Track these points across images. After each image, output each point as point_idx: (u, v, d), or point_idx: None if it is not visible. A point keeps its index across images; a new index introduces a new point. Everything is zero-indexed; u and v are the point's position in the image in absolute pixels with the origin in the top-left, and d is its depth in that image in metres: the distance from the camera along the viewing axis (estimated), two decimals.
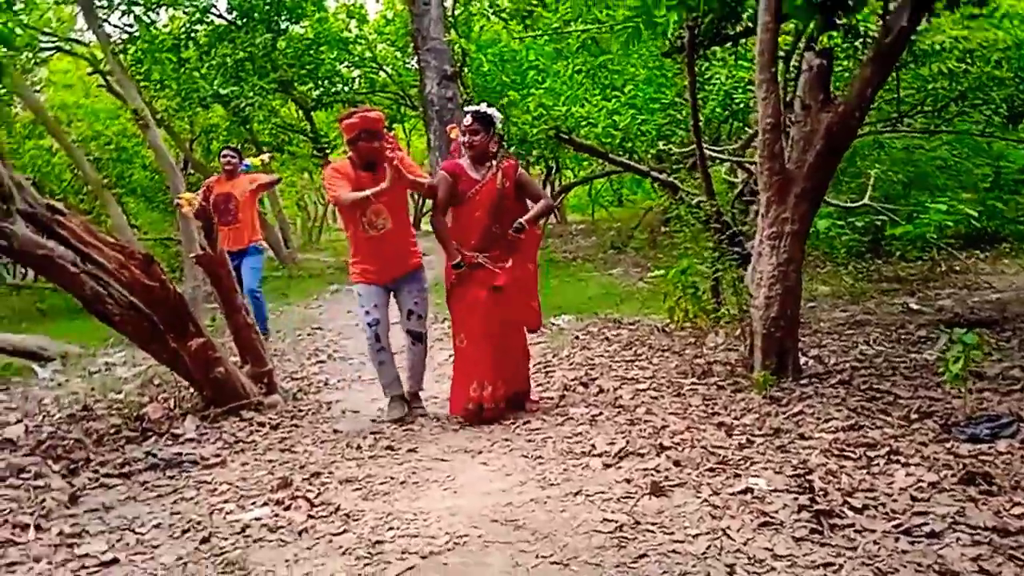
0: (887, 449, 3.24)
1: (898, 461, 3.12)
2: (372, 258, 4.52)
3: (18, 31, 11.55)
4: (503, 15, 16.65)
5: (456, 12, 17.23)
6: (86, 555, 2.89)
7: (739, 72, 8.20)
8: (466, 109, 4.55)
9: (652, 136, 8.37)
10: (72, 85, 17.48)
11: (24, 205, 3.94)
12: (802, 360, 4.87)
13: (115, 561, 2.84)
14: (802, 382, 4.40)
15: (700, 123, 5.92)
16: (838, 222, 7.23)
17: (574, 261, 13.65)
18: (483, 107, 4.49)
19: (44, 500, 3.46)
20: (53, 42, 13.34)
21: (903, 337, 5.64)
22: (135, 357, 6.77)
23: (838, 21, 4.99)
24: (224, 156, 6.98)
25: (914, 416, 3.64)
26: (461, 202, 4.43)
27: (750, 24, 6.44)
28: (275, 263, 16.68)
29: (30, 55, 12.65)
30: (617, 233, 16.49)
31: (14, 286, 12.34)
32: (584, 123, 7.77)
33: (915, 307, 6.85)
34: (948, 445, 3.31)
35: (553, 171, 20.62)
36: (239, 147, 7.99)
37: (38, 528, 3.15)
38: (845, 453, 3.27)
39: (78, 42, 13.63)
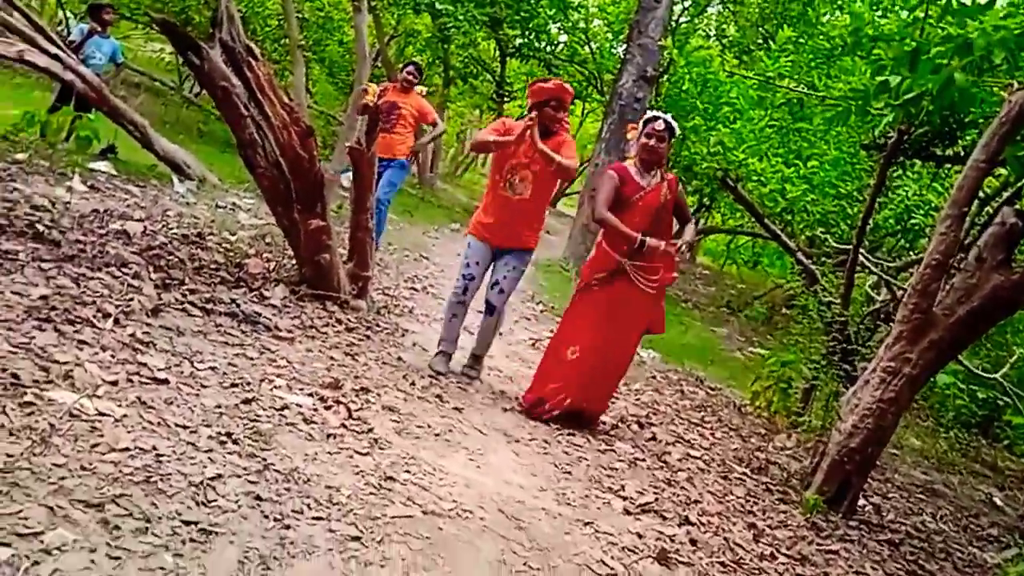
0: None
1: None
2: (496, 217, 4.54)
3: None
4: (724, 41, 16.32)
5: (680, 19, 17.00)
6: (144, 364, 3.09)
7: (928, 194, 7.80)
8: (656, 114, 4.42)
9: (814, 219, 8.08)
10: None
11: (227, 36, 4.17)
12: (861, 502, 4.66)
13: (165, 381, 3.02)
14: (851, 523, 4.20)
15: (867, 227, 5.65)
16: (960, 384, 6.83)
17: (684, 303, 13.41)
18: (669, 117, 4.39)
19: (132, 300, 3.71)
20: None
21: (972, 527, 5.29)
22: (261, 210, 7.10)
23: None
24: (407, 69, 7.15)
25: None
26: (623, 207, 4.31)
27: (961, 152, 6.10)
28: (414, 181, 17.11)
29: None
30: (738, 294, 16.08)
31: (186, 99, 13.14)
32: (754, 178, 7.56)
33: (999, 503, 6.40)
34: None
35: (703, 208, 20.24)
36: (424, 65, 8.15)
37: (117, 322, 3.39)
38: None
39: None
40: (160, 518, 2.17)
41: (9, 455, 2.19)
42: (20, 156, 5.94)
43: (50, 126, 5.74)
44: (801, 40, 8.05)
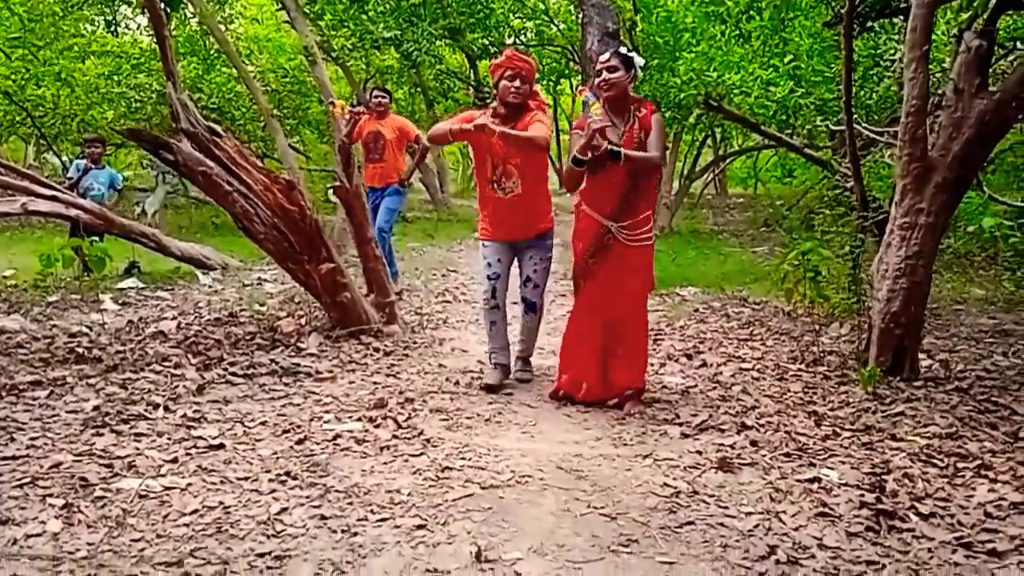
0: (979, 463, 3.06)
1: (986, 476, 2.95)
2: (497, 218, 4.25)
3: None
4: None
5: None
6: (200, 437, 3.30)
7: None
8: (612, 50, 4.00)
9: (810, 111, 7.99)
10: (259, 20, 18.71)
11: (187, 125, 4.39)
12: (926, 363, 4.63)
13: (221, 446, 3.22)
14: (915, 384, 4.18)
15: (852, 99, 5.57)
16: (1007, 222, 6.68)
17: (721, 235, 13.34)
18: (621, 49, 3.94)
19: (177, 387, 3.94)
20: None
21: None
22: (284, 276, 7.33)
23: None
24: (375, 96, 7.29)
25: (1023, 435, 3.40)
26: (599, 166, 3.79)
27: None
28: (429, 206, 17.36)
29: None
30: (775, 211, 15.88)
31: (196, 200, 13.59)
32: (737, 91, 7.52)
33: None
34: None
35: (719, 140, 19.99)
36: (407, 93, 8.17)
37: (166, 409, 3.61)
38: (933, 460, 3.13)
39: None
40: (236, 558, 2.34)
41: (91, 543, 2.39)
42: (53, 298, 6.30)
43: (68, 261, 6.06)
44: None
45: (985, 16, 4.72)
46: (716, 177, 24.14)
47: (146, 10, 4.33)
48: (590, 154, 3.70)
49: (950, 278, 7.81)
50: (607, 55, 3.90)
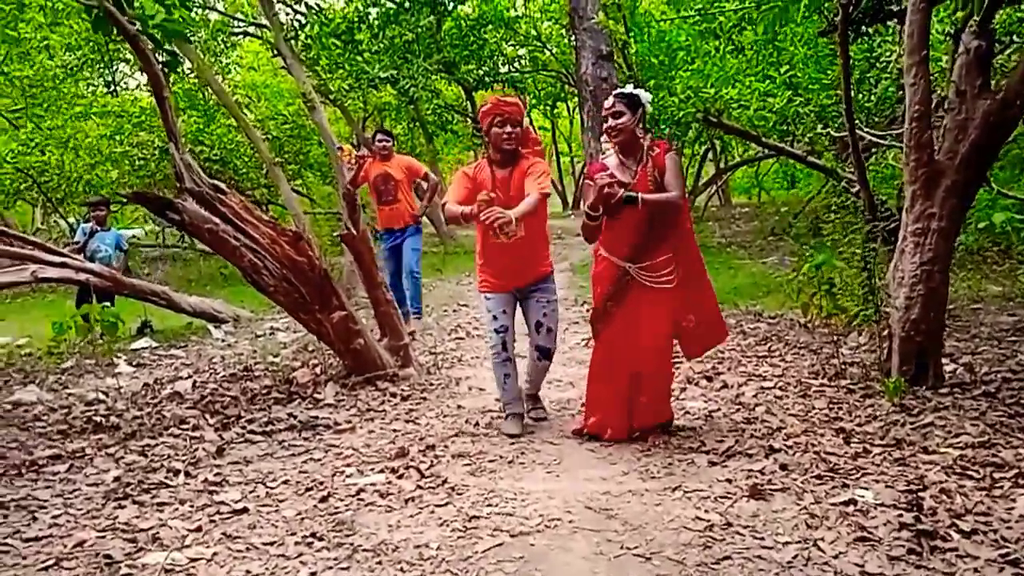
0: (1015, 471, 2.99)
1: None
2: (498, 265, 4.14)
3: (212, 16, 12.64)
4: None
5: None
6: (222, 502, 3.26)
7: None
8: (614, 93, 3.99)
9: (810, 119, 7.98)
10: (255, 68, 18.92)
11: (191, 184, 4.40)
12: (950, 367, 4.56)
13: (245, 510, 3.18)
14: (941, 391, 4.11)
15: (852, 106, 5.55)
16: (1017, 216, 6.62)
17: (729, 247, 13.25)
18: (628, 88, 3.89)
19: (197, 450, 3.91)
20: (242, 26, 14.49)
21: None
22: (296, 324, 7.32)
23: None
24: (379, 140, 7.29)
25: None
26: (616, 211, 3.72)
27: None
28: (435, 239, 17.37)
29: (222, 38, 13.83)
30: (780, 219, 15.80)
31: (203, 252, 13.69)
32: (735, 105, 7.52)
33: None
34: None
35: (719, 151, 20.02)
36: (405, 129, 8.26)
37: (187, 474, 3.58)
38: (968, 472, 3.06)
39: (264, 26, 14.72)
40: None
41: None
42: (67, 364, 6.30)
43: (82, 329, 6.06)
44: None
45: (980, 15, 4.72)
46: (719, 189, 24.17)
47: (144, 72, 4.35)
48: (602, 208, 3.66)
49: (964, 276, 7.73)
50: (610, 100, 3.82)
